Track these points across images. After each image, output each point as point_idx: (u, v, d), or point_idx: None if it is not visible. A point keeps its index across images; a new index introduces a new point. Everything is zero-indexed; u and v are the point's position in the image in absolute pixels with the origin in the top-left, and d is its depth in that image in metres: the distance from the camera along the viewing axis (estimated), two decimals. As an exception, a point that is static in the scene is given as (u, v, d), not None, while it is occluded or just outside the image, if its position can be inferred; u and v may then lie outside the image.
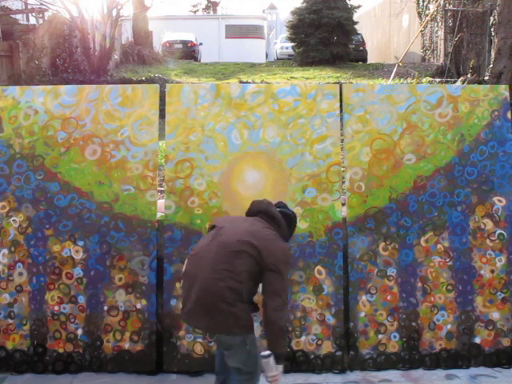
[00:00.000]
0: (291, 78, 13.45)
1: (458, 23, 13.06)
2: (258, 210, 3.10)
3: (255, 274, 2.88)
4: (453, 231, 4.12)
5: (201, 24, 26.20)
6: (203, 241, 3.13)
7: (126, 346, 3.95)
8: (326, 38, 15.90)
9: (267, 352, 2.86)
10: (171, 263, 3.97)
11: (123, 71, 14.04)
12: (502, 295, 4.11)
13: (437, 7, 15.29)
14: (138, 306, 3.97)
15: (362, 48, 19.03)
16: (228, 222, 3.19)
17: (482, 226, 4.13)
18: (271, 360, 2.85)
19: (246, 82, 11.40)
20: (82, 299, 3.98)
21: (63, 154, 4.07)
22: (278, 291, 2.84)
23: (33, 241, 4.01)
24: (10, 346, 3.97)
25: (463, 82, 10.55)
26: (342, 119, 4.21)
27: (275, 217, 3.05)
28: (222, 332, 2.90)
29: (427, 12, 16.53)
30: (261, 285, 2.93)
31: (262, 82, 11.43)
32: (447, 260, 4.10)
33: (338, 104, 4.17)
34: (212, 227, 3.18)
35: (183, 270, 3.14)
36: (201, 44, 22.38)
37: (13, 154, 4.08)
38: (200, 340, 3.95)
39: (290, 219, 3.14)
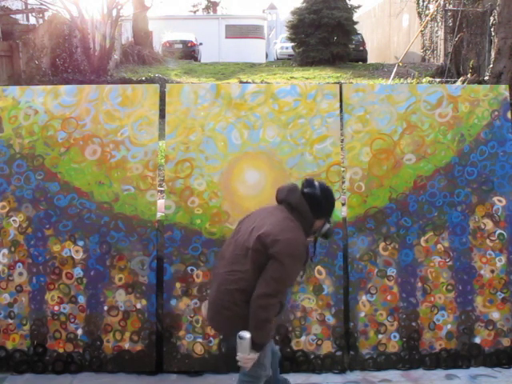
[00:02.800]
0: (291, 77, 13.45)
1: (458, 23, 13.07)
2: (280, 199, 2.91)
3: (261, 265, 2.73)
4: (453, 231, 4.12)
5: (201, 24, 26.21)
6: (229, 239, 3.09)
7: (126, 346, 3.95)
8: (326, 38, 15.91)
9: (246, 334, 2.68)
10: (171, 263, 3.97)
11: (123, 71, 14.04)
12: (502, 295, 4.11)
13: (437, 7, 15.30)
14: (138, 306, 3.97)
15: (361, 48, 19.05)
16: (247, 216, 3.05)
17: (482, 226, 4.13)
18: (246, 342, 2.68)
19: (246, 82, 11.40)
20: (81, 299, 3.98)
21: (63, 154, 4.07)
22: (268, 278, 2.66)
23: (33, 241, 4.01)
24: (9, 346, 3.97)
25: (463, 82, 10.55)
26: (342, 119, 4.21)
27: (293, 206, 2.83)
28: (224, 334, 2.98)
29: (427, 12, 16.54)
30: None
31: (262, 82, 11.44)
32: (447, 260, 4.09)
33: (338, 104, 4.17)
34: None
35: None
36: (201, 44, 22.39)
37: (13, 154, 4.07)
38: (200, 340, 3.95)
39: (315, 200, 2.82)
